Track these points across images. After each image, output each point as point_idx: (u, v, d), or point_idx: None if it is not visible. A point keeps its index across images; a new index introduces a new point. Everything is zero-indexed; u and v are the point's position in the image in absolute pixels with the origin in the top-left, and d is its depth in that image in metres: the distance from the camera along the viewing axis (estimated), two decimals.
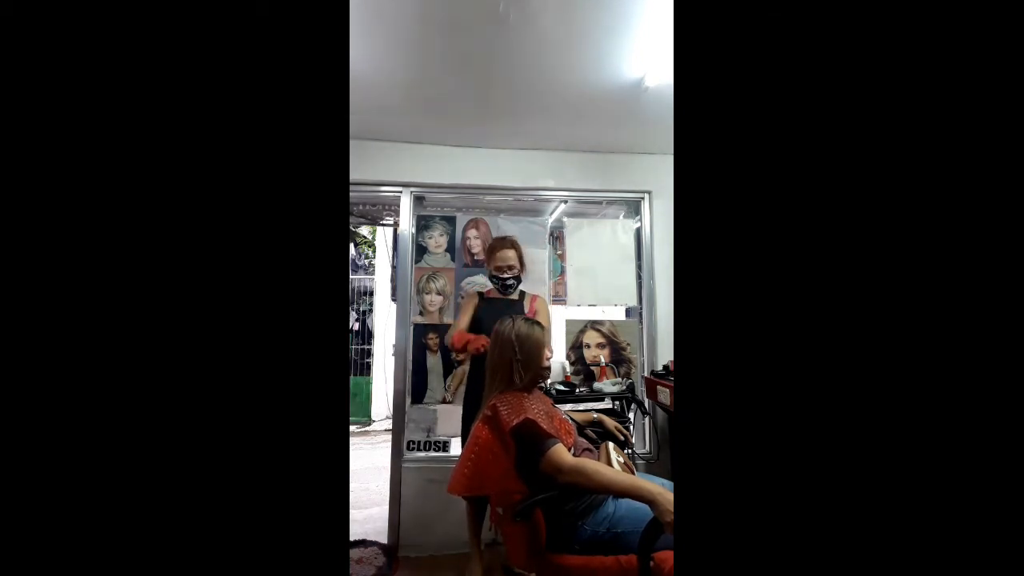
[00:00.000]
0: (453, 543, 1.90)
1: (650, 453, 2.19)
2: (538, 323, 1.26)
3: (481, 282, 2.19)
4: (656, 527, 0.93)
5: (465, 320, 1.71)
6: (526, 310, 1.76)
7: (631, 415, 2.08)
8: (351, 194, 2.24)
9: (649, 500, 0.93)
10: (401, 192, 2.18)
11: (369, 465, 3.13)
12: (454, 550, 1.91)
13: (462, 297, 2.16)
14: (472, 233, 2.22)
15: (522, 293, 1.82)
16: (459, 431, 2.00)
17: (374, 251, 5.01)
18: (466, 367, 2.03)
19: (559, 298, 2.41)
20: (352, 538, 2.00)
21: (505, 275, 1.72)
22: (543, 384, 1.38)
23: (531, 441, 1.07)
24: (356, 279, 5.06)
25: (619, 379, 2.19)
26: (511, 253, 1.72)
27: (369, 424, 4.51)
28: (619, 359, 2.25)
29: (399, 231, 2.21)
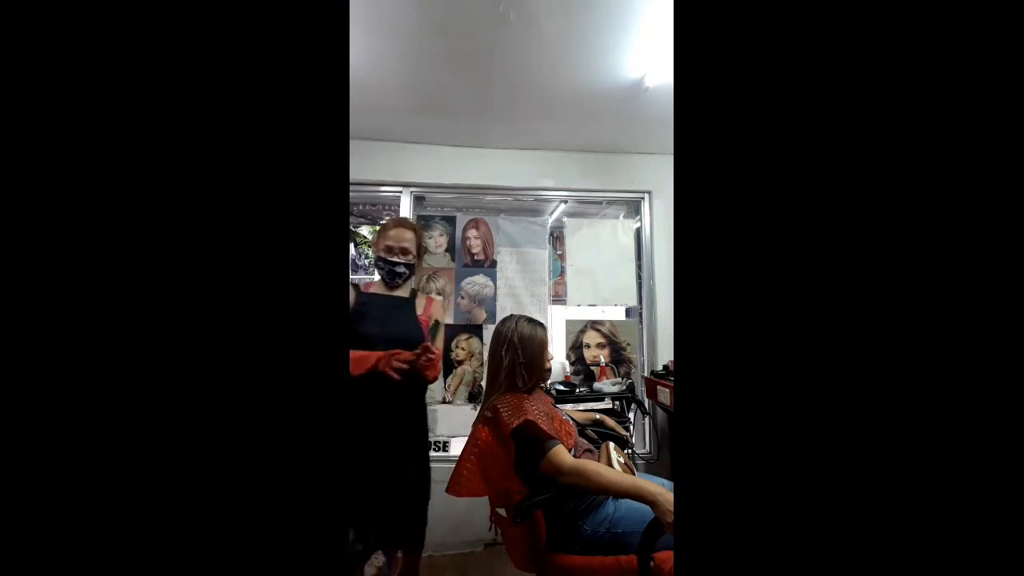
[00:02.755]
0: (453, 543, 1.91)
1: (650, 453, 2.19)
2: (540, 323, 1.26)
3: (481, 282, 2.19)
4: (657, 527, 0.93)
5: None
6: (419, 311, 1.41)
7: (631, 415, 2.08)
8: (351, 194, 2.24)
9: (650, 501, 0.93)
10: (401, 192, 2.19)
11: None
12: (454, 550, 1.91)
13: (462, 298, 2.16)
14: (472, 233, 2.22)
15: (414, 292, 1.45)
16: (459, 431, 2.01)
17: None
18: (467, 367, 2.03)
19: (559, 298, 2.42)
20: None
21: (395, 258, 1.35)
22: (543, 384, 1.38)
23: (531, 442, 1.07)
24: (356, 279, 5.06)
25: (619, 379, 2.19)
26: (408, 234, 1.38)
27: None
28: (619, 359, 2.25)
29: None
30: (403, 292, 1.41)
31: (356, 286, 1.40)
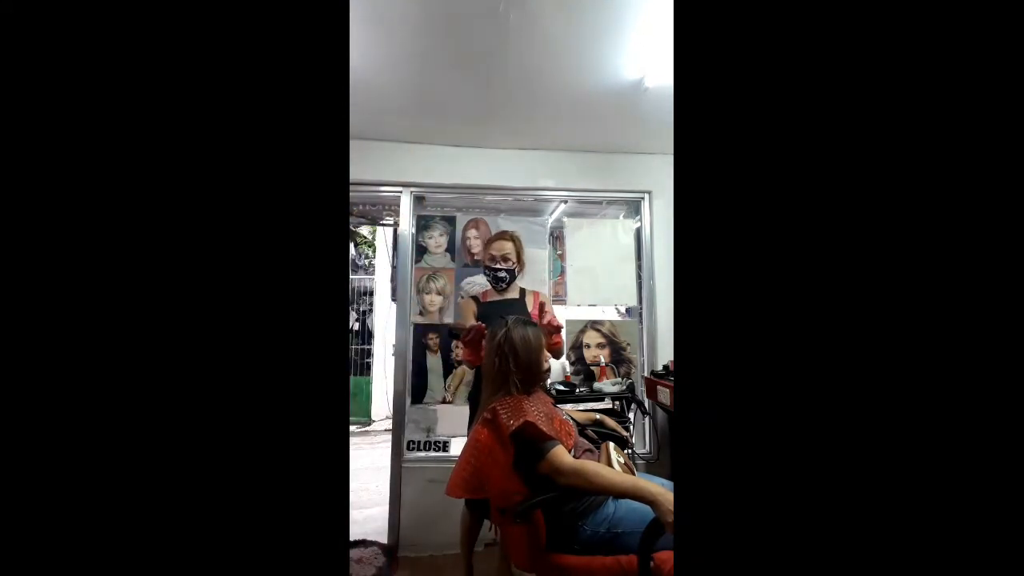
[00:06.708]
0: (453, 543, 1.90)
1: (650, 453, 2.19)
2: (532, 324, 1.25)
3: (481, 282, 2.19)
4: (657, 527, 0.93)
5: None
6: (530, 308, 1.67)
7: (631, 415, 2.08)
8: (351, 194, 2.24)
9: (650, 501, 0.93)
10: (401, 192, 2.18)
11: (369, 465, 3.12)
12: (454, 550, 1.91)
13: (461, 298, 2.16)
14: (472, 233, 2.22)
15: (522, 291, 1.74)
16: (459, 431, 2.01)
17: (374, 251, 5.01)
18: (467, 366, 2.03)
19: (559, 298, 2.41)
20: (352, 538, 2.00)
21: (498, 265, 1.65)
22: (543, 384, 1.38)
23: (531, 444, 1.07)
24: (356, 279, 5.06)
25: (619, 379, 2.19)
26: (508, 245, 1.67)
27: (369, 424, 4.51)
28: (619, 359, 2.25)
29: (399, 231, 2.21)
30: (513, 294, 1.70)
31: (476, 298, 1.72)
